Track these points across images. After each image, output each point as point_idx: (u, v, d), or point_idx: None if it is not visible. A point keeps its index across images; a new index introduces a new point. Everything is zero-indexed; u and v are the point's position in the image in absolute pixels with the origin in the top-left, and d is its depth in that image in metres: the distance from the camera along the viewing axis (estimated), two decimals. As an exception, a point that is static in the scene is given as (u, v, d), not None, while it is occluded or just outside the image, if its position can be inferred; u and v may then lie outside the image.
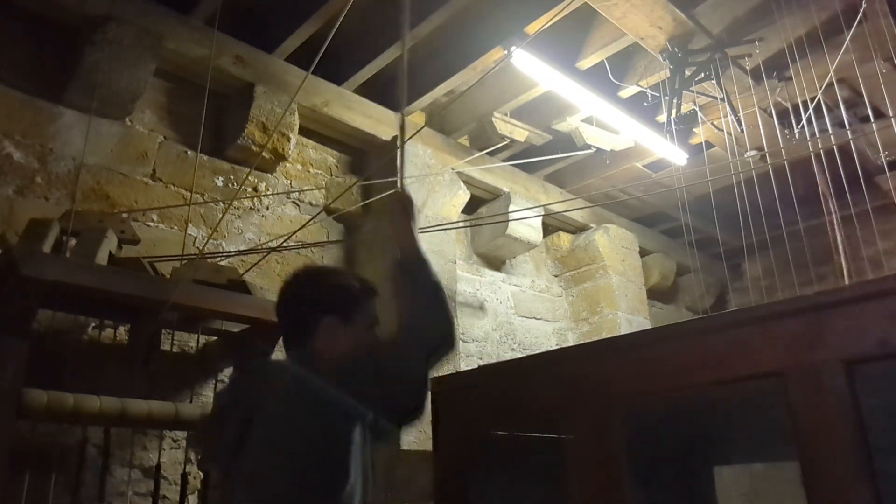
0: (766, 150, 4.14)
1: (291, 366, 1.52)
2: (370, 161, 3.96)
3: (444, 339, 1.49)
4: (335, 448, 1.40)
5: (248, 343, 2.65)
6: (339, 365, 1.47)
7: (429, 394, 1.48)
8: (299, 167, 3.75)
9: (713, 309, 6.10)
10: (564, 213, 5.06)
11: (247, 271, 2.90)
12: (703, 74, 3.73)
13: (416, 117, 4.19)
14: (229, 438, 1.48)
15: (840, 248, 3.78)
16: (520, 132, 4.35)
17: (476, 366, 4.09)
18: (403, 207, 1.68)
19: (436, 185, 3.98)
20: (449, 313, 1.51)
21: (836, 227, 3.71)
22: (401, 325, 1.48)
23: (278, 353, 2.50)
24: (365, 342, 1.60)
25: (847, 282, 4.00)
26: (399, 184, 1.80)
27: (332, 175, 3.90)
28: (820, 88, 3.54)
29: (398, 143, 1.79)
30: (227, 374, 2.93)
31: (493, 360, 4.34)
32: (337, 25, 2.46)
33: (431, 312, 1.49)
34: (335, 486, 1.38)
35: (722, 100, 3.84)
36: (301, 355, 1.55)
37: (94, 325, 2.69)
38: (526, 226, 4.63)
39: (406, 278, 1.57)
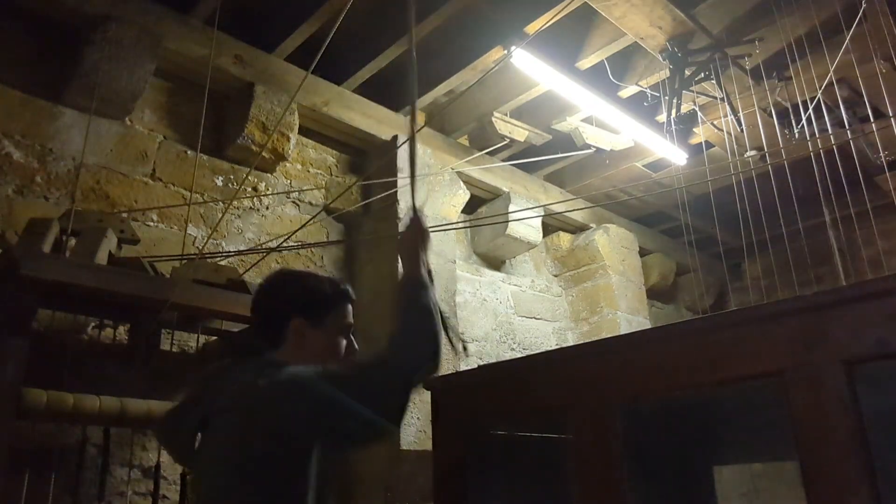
0: (766, 149, 4.14)
1: (253, 373, 1.46)
2: (370, 161, 3.96)
3: (428, 360, 1.49)
4: (291, 464, 1.36)
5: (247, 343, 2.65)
6: (322, 373, 1.43)
7: (408, 407, 1.47)
8: (299, 167, 3.75)
9: (713, 309, 6.10)
10: (564, 213, 5.06)
11: (247, 271, 2.90)
12: (702, 74, 3.74)
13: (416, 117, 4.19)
14: (185, 437, 1.50)
15: (836, 250, 3.77)
16: (520, 132, 4.35)
17: (476, 366, 4.09)
18: (419, 233, 1.67)
19: (436, 185, 3.98)
20: (436, 337, 1.50)
21: (830, 229, 3.70)
22: (389, 342, 1.49)
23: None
24: (336, 347, 1.59)
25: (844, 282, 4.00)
26: (413, 210, 1.74)
27: (331, 175, 3.90)
28: (820, 88, 3.54)
29: (410, 165, 1.71)
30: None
31: (493, 360, 4.34)
32: (337, 25, 2.46)
33: (419, 334, 1.49)
34: (292, 496, 1.35)
35: (722, 100, 3.84)
36: (267, 359, 1.52)
37: (94, 324, 2.69)
38: (526, 226, 4.63)
39: (403, 299, 1.56)
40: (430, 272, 1.63)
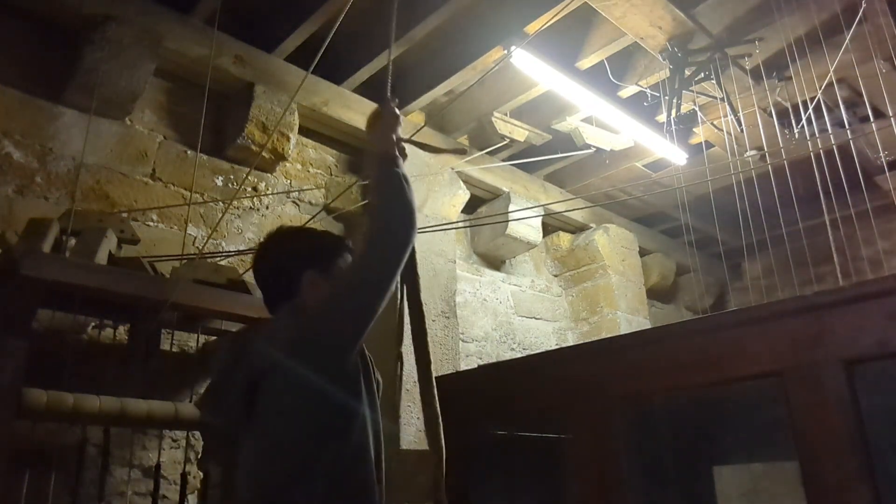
0: (765, 150, 4.14)
1: (285, 323, 1.56)
2: (370, 161, 3.96)
3: (409, 227, 1.56)
4: (345, 397, 1.48)
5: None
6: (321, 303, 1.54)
7: (400, 266, 1.57)
8: (299, 167, 3.75)
9: (713, 309, 6.10)
10: (564, 213, 5.06)
11: (247, 271, 2.90)
12: (702, 74, 3.73)
13: (415, 117, 4.19)
14: (235, 402, 1.54)
15: (835, 251, 3.77)
16: (520, 132, 4.35)
17: (476, 366, 4.09)
18: (391, 115, 1.73)
19: (435, 185, 3.98)
20: (413, 207, 1.57)
21: (830, 229, 3.70)
22: (373, 217, 1.58)
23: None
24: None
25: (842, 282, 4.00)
26: (388, 92, 1.84)
27: (331, 174, 3.90)
28: (820, 88, 3.54)
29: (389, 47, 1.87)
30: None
31: (493, 360, 4.34)
32: (337, 25, 2.46)
33: (398, 207, 1.56)
34: (349, 433, 1.47)
35: (722, 100, 3.84)
36: (288, 310, 1.59)
37: (93, 324, 2.69)
38: (526, 225, 4.63)
39: (378, 176, 1.64)
40: (403, 151, 1.71)
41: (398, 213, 1.54)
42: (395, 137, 1.70)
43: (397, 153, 1.67)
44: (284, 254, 1.69)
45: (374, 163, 1.69)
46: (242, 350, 1.58)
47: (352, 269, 1.61)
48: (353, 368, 1.53)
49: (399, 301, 1.81)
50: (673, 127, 3.99)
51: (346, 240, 1.78)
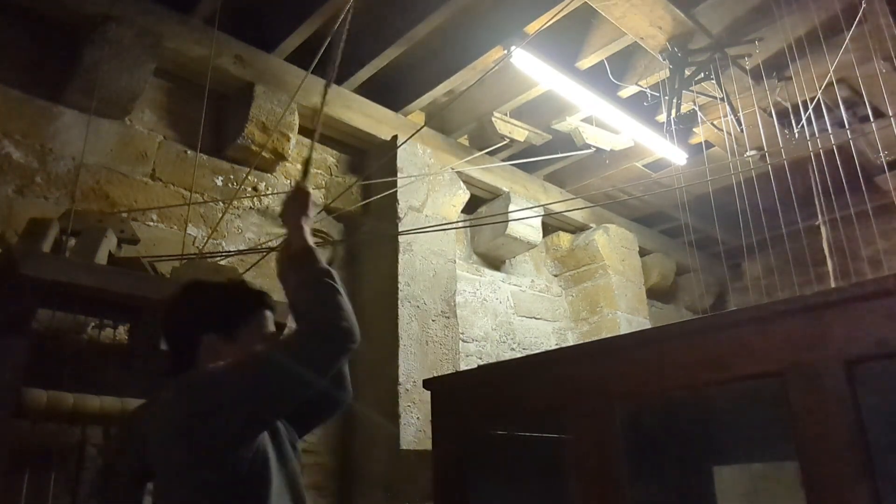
0: (765, 149, 4.14)
1: (173, 402, 1.38)
2: (370, 161, 3.96)
3: (338, 335, 1.37)
4: (248, 463, 1.32)
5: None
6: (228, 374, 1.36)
7: (343, 382, 1.48)
8: (299, 167, 3.75)
9: (713, 309, 6.09)
10: (564, 213, 5.06)
11: (246, 271, 2.90)
12: (702, 74, 3.74)
13: (415, 117, 4.19)
14: (129, 487, 1.47)
15: (827, 254, 3.77)
16: (519, 132, 4.35)
17: (476, 366, 4.09)
18: (299, 202, 1.57)
19: (436, 185, 3.99)
20: (339, 310, 1.38)
21: (824, 230, 3.71)
22: (297, 328, 1.40)
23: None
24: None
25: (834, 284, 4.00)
26: (304, 173, 1.75)
27: (331, 175, 3.90)
28: (820, 88, 3.54)
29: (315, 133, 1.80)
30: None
31: (493, 360, 4.34)
32: (337, 25, 2.46)
33: (319, 310, 1.38)
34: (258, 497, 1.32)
35: (722, 100, 3.84)
36: (180, 384, 1.42)
37: (93, 324, 2.68)
38: (525, 225, 4.63)
39: (295, 275, 1.48)
40: (308, 248, 1.51)
41: (326, 326, 1.36)
42: (304, 224, 1.52)
43: (311, 245, 1.50)
44: (184, 314, 1.51)
45: (289, 262, 1.51)
46: (132, 436, 1.48)
47: (269, 353, 1.38)
48: (253, 451, 1.34)
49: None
50: (673, 127, 3.99)
51: (264, 294, 1.57)
